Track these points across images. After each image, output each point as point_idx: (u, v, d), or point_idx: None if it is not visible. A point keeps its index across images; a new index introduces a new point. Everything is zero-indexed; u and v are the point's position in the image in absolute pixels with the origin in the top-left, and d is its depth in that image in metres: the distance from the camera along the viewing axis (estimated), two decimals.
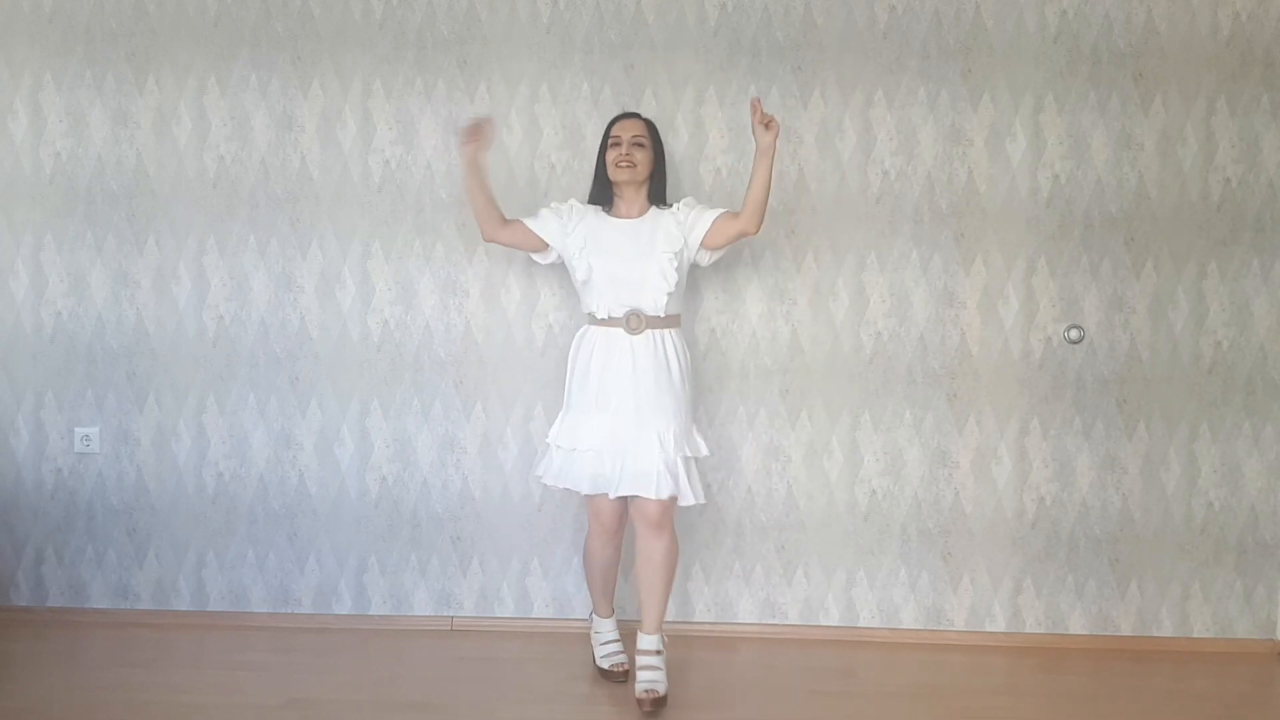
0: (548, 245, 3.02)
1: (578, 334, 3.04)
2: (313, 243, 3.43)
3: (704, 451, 2.98)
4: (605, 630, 3.16)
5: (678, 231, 2.94)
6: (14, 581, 3.50)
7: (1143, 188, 3.39)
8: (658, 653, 2.94)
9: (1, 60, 3.42)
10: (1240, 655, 3.40)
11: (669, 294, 2.91)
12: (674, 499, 2.87)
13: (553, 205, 3.07)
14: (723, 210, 2.97)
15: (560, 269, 3.41)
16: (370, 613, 3.49)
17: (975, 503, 3.44)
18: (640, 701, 2.85)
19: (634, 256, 2.92)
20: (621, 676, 3.06)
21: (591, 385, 2.92)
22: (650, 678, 2.89)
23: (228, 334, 3.45)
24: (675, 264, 2.92)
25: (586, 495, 2.98)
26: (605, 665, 3.10)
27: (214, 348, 3.45)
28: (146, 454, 3.47)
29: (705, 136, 3.39)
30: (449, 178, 3.41)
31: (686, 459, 2.90)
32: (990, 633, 3.46)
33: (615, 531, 3.04)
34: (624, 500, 2.94)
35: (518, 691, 2.98)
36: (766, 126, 2.77)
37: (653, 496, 2.83)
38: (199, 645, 3.29)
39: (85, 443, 3.46)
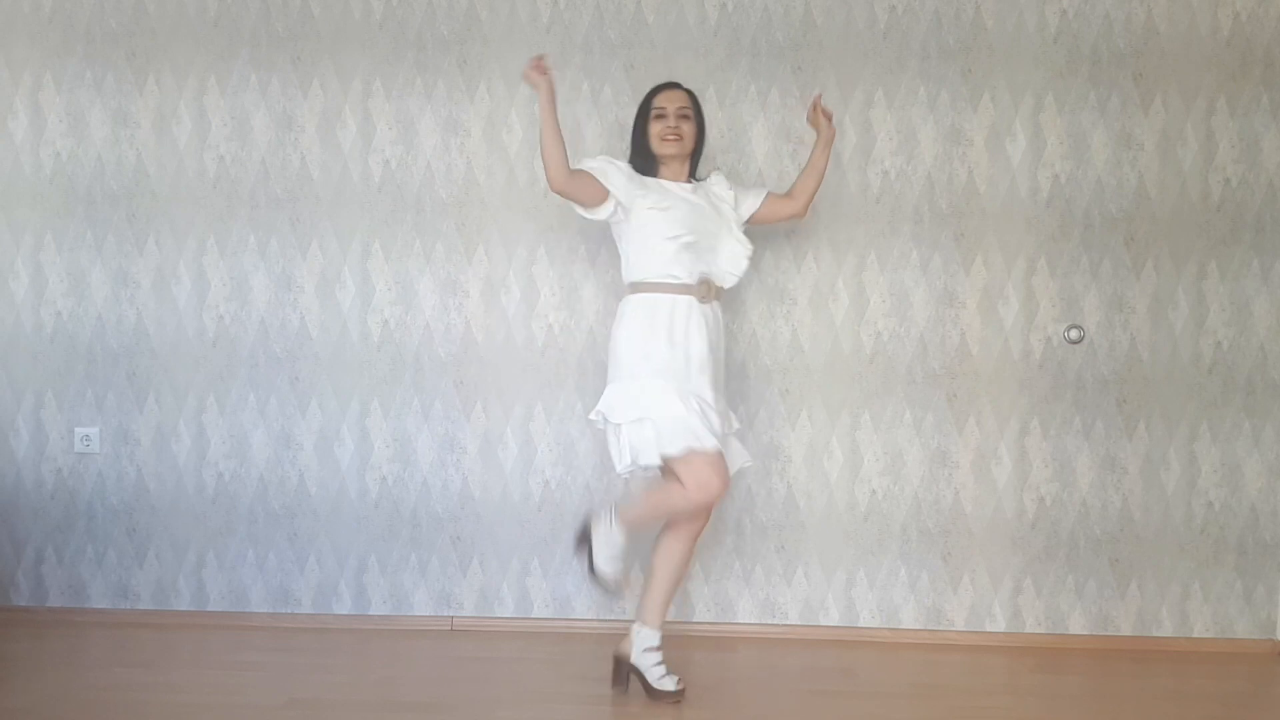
0: (608, 199, 2.80)
1: (631, 303, 2.83)
2: (313, 243, 3.43)
3: (737, 425, 3.04)
4: (657, 641, 2.91)
5: (733, 201, 2.94)
6: (14, 581, 3.50)
7: (1143, 188, 3.39)
8: (658, 649, 2.91)
9: (1, 60, 3.42)
10: (1240, 655, 3.40)
11: (747, 259, 2.90)
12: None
13: (606, 158, 2.87)
14: (766, 191, 3.03)
15: (559, 261, 3.41)
16: (370, 613, 3.49)
17: (975, 503, 3.44)
18: (653, 693, 2.87)
19: (706, 220, 2.85)
20: (681, 695, 2.87)
21: (677, 354, 2.74)
22: (660, 675, 2.89)
23: (228, 334, 3.45)
24: (743, 230, 2.93)
25: (690, 464, 2.69)
26: (671, 686, 2.86)
27: (214, 348, 3.45)
28: (146, 454, 3.47)
29: (705, 136, 3.37)
30: (449, 178, 3.41)
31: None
32: (990, 633, 3.46)
33: (716, 502, 2.81)
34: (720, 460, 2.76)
35: (518, 691, 2.97)
36: (828, 120, 2.91)
37: (735, 467, 2.89)
38: (199, 645, 3.29)
39: (85, 443, 3.46)
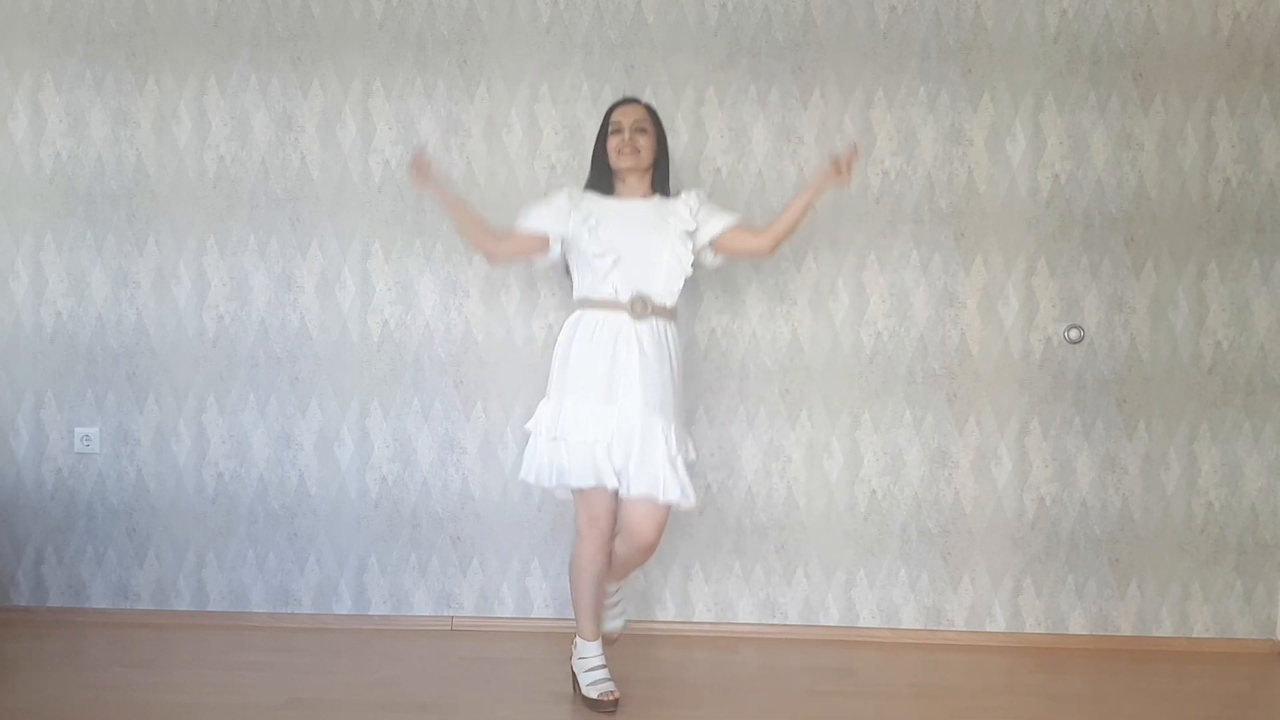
0: (548, 239, 2.85)
1: (569, 319, 2.85)
2: (313, 243, 3.43)
3: (693, 455, 2.88)
4: (592, 655, 2.89)
5: (690, 218, 2.84)
6: (14, 581, 3.50)
7: (1143, 188, 3.39)
8: (616, 593, 3.06)
9: (1, 60, 3.42)
10: (1240, 655, 3.40)
11: (684, 278, 2.81)
12: (666, 512, 2.75)
13: (542, 199, 2.95)
14: (738, 218, 2.92)
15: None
16: (370, 613, 3.49)
17: (975, 503, 3.44)
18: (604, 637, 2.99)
19: (644, 235, 2.79)
20: (611, 706, 2.82)
21: (599, 370, 2.73)
22: (613, 620, 3.07)
23: (228, 334, 3.45)
24: (689, 247, 2.82)
25: (578, 495, 2.79)
26: (594, 694, 2.84)
27: (214, 348, 3.45)
28: (146, 454, 3.47)
29: (705, 136, 3.38)
30: (449, 178, 3.41)
31: (685, 460, 2.78)
32: (990, 633, 3.46)
33: (610, 535, 2.81)
34: (616, 499, 2.77)
35: (518, 691, 2.97)
36: (838, 175, 2.77)
37: (661, 499, 2.70)
38: (199, 645, 3.29)
39: (85, 443, 3.46)
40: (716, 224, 2.87)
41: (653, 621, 3.46)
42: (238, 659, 3.18)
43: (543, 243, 2.87)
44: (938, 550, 3.45)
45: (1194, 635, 3.45)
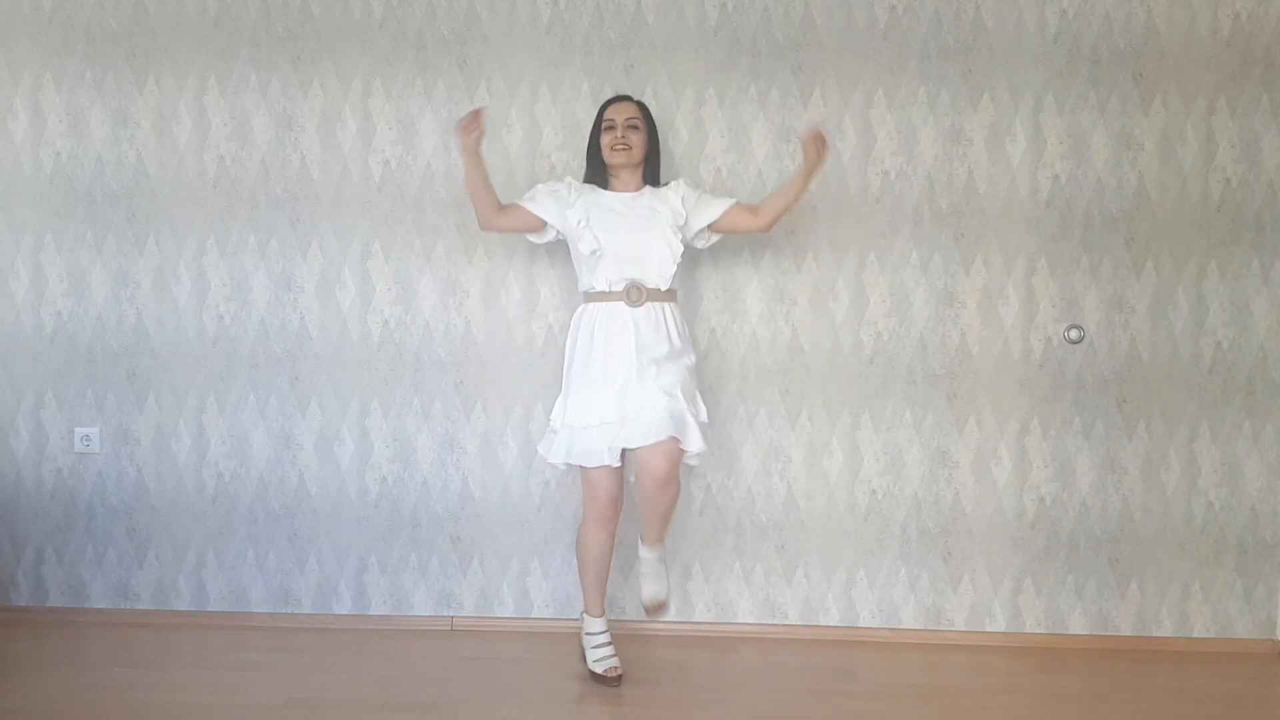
0: (545, 224, 3.01)
1: (575, 314, 3.04)
2: (313, 243, 3.43)
3: (704, 418, 2.99)
4: (598, 631, 3.08)
5: (680, 206, 3.00)
6: (14, 581, 3.50)
7: (1143, 188, 3.39)
8: (660, 561, 3.07)
9: (1, 60, 3.42)
10: (1240, 655, 3.40)
11: (676, 265, 2.96)
12: (681, 453, 2.86)
13: (547, 184, 3.07)
14: (735, 200, 3.08)
15: (560, 261, 3.42)
16: (370, 613, 3.49)
17: (975, 503, 3.44)
18: (646, 609, 3.08)
19: (636, 228, 2.95)
20: (615, 681, 3.00)
21: (596, 361, 2.91)
22: (653, 589, 3.07)
23: (228, 334, 3.45)
24: (679, 236, 2.98)
25: (583, 475, 2.96)
26: (599, 669, 3.03)
27: (214, 348, 3.45)
28: (146, 454, 3.47)
29: (705, 136, 3.39)
30: (449, 178, 3.41)
31: (694, 417, 2.92)
32: (990, 633, 3.46)
33: (612, 514, 2.98)
34: (622, 478, 2.96)
35: (518, 691, 2.97)
36: (819, 150, 2.91)
37: (652, 440, 2.82)
38: (199, 645, 3.29)
39: (85, 443, 3.46)
40: (716, 208, 3.05)
41: (653, 621, 3.46)
42: (238, 659, 3.18)
43: (540, 224, 3.03)
44: (938, 550, 3.45)
45: (1194, 635, 3.45)
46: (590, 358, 2.93)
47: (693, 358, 3.02)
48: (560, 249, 3.41)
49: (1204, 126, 3.38)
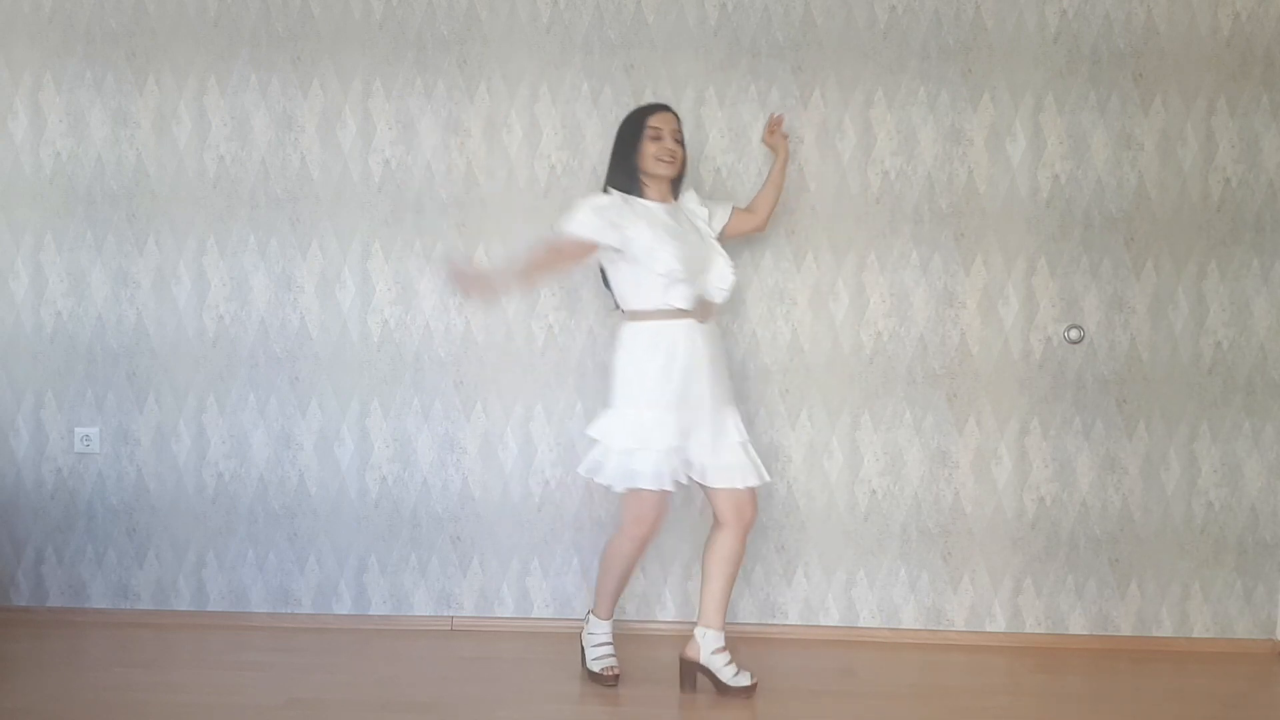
0: (596, 246, 2.84)
1: (627, 332, 2.90)
2: (313, 243, 3.43)
3: (745, 437, 3.01)
4: (602, 632, 3.08)
5: (707, 219, 3.05)
6: (14, 581, 3.50)
7: (1143, 188, 3.39)
8: (722, 652, 2.97)
9: (1, 60, 3.42)
10: (1240, 655, 3.40)
11: (728, 283, 2.98)
12: (755, 491, 2.97)
13: (587, 201, 2.89)
14: (732, 204, 3.16)
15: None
16: (370, 613, 3.49)
17: (975, 503, 3.44)
18: (727, 689, 2.96)
19: (697, 248, 2.92)
20: (613, 681, 3.00)
21: (672, 379, 2.82)
22: (730, 674, 2.96)
23: (228, 334, 3.45)
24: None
25: (631, 494, 2.87)
26: (596, 668, 3.03)
27: (214, 348, 3.45)
28: (146, 454, 3.47)
29: (705, 136, 3.39)
30: (449, 178, 3.41)
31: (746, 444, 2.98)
32: (990, 633, 3.46)
33: (652, 535, 2.95)
34: (667, 501, 2.91)
35: (518, 691, 2.97)
36: (784, 138, 3.07)
37: (744, 485, 2.92)
38: (199, 645, 3.29)
39: (85, 443, 3.46)
40: (722, 214, 3.10)
41: (653, 621, 3.46)
42: (238, 659, 3.18)
43: (588, 249, 2.86)
44: (938, 550, 3.45)
45: (1194, 635, 3.45)
46: (660, 378, 2.82)
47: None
48: None
49: (1204, 126, 3.38)
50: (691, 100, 3.38)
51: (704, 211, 3.05)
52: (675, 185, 3.02)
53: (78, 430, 3.46)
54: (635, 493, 2.86)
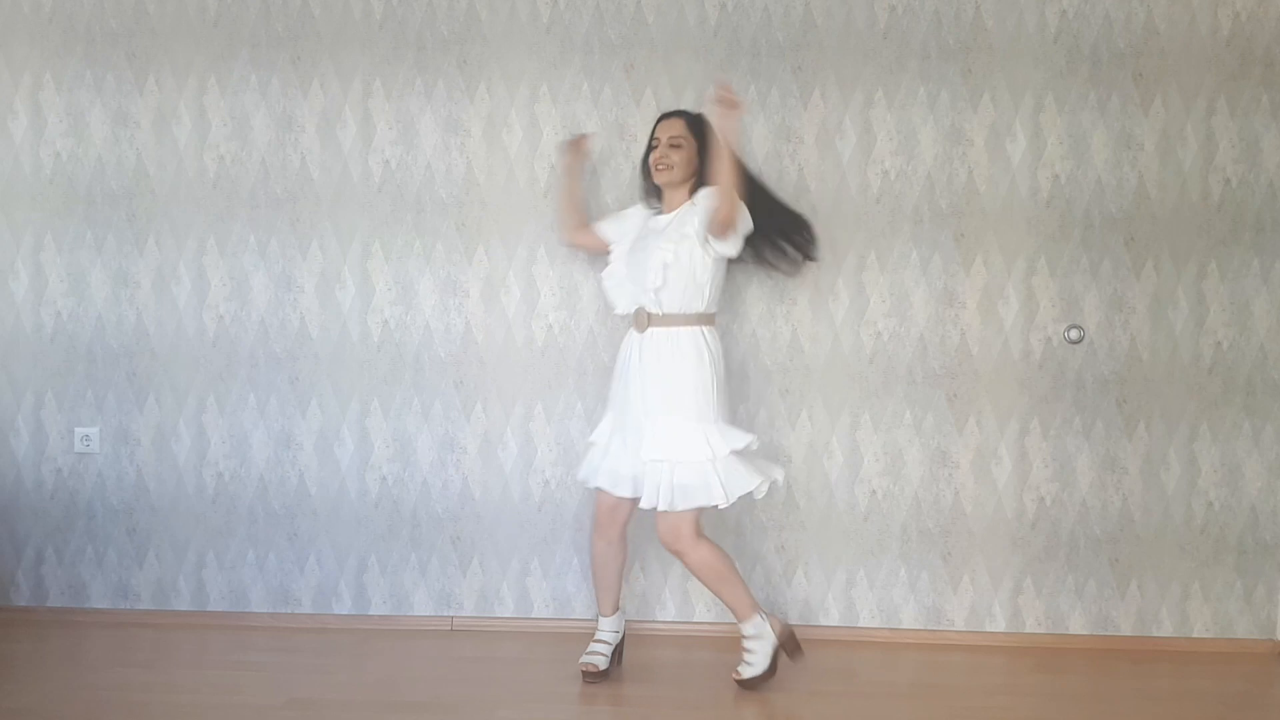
0: (609, 246, 3.14)
1: (692, 336, 2.94)
2: (313, 243, 3.43)
3: (750, 443, 2.94)
4: (602, 629, 3.12)
5: (693, 222, 2.88)
6: (14, 581, 3.50)
7: (1143, 188, 3.39)
8: (750, 637, 2.97)
9: (1, 60, 3.42)
10: (1240, 655, 3.40)
11: (656, 290, 2.87)
12: (668, 513, 2.86)
13: (630, 210, 3.17)
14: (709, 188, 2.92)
15: (559, 261, 3.43)
16: (370, 613, 3.49)
17: (975, 503, 3.44)
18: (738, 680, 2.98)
19: (643, 253, 2.95)
20: (591, 678, 3.01)
21: (614, 382, 3.04)
22: (744, 661, 2.99)
23: (228, 334, 3.45)
24: (672, 259, 2.86)
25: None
26: (580, 661, 3.06)
27: (214, 348, 3.45)
28: (146, 454, 3.47)
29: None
30: (449, 178, 3.41)
31: (714, 460, 2.84)
32: (990, 633, 3.46)
33: (607, 528, 3.02)
34: (616, 498, 2.99)
35: (518, 691, 2.97)
36: (728, 109, 2.73)
37: (644, 504, 2.89)
38: (199, 645, 3.29)
39: (85, 443, 3.46)
40: (704, 211, 2.87)
41: (653, 621, 3.46)
42: (238, 659, 3.18)
43: (605, 246, 3.17)
44: (938, 550, 3.45)
45: (1194, 635, 3.45)
46: (611, 379, 3.06)
47: (712, 387, 2.89)
48: (561, 245, 3.42)
49: (1204, 126, 3.38)
50: (691, 100, 3.38)
51: (700, 210, 2.87)
52: (698, 186, 2.95)
53: (78, 430, 3.46)
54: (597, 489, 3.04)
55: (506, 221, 3.42)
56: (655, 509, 2.87)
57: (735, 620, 3.00)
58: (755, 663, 2.96)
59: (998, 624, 3.46)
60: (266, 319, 3.44)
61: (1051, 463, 3.43)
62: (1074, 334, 3.38)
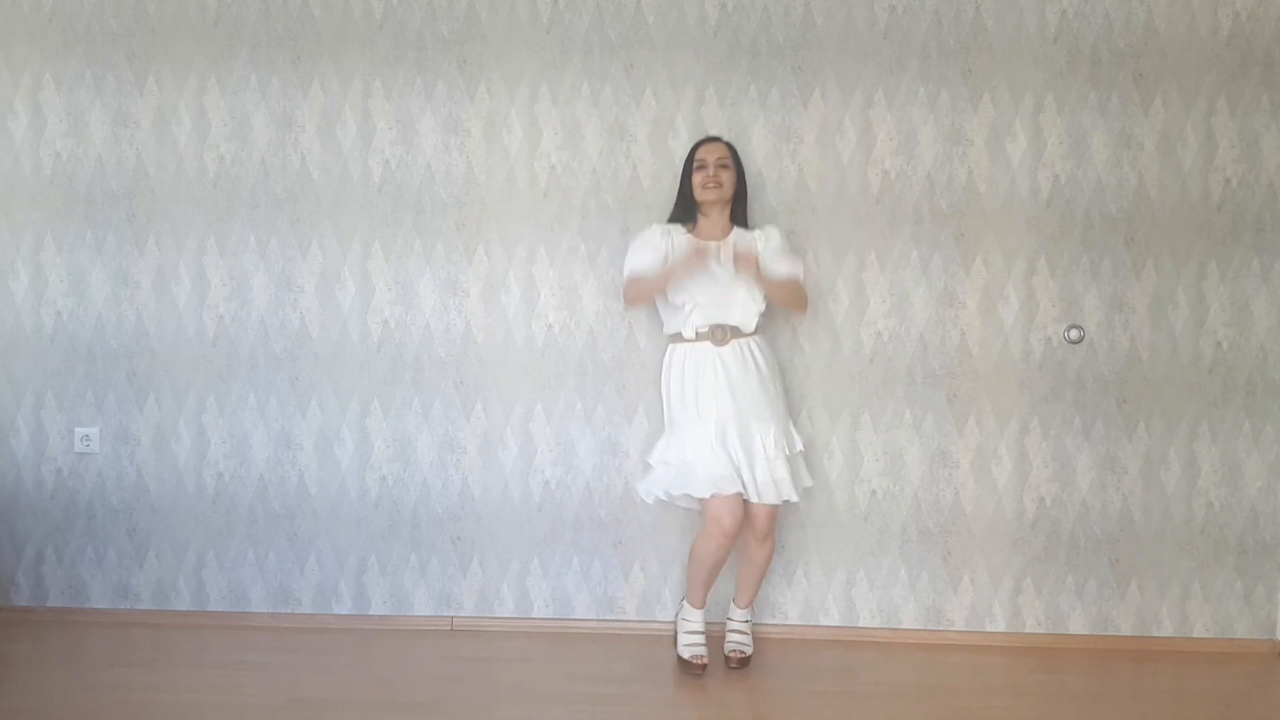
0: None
1: (666, 355, 3.18)
2: (313, 243, 3.43)
3: (799, 446, 3.17)
4: (694, 620, 3.17)
5: (762, 254, 3.11)
6: (14, 581, 3.50)
7: (1143, 188, 3.39)
8: (745, 622, 3.25)
9: (1, 60, 3.42)
10: (1240, 655, 3.40)
11: (760, 312, 3.11)
12: (777, 506, 3.08)
13: (642, 240, 3.15)
14: (799, 272, 3.17)
15: (560, 262, 3.43)
16: (370, 613, 3.49)
17: (975, 503, 3.44)
18: (728, 659, 3.18)
19: (724, 277, 3.08)
20: (699, 670, 3.09)
21: (690, 400, 3.07)
22: (738, 640, 3.22)
23: (228, 334, 3.45)
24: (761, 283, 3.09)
25: (704, 501, 3.04)
26: (686, 655, 3.13)
27: (214, 348, 3.45)
28: (146, 454, 3.47)
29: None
30: (449, 178, 3.41)
31: (789, 457, 3.09)
32: (990, 633, 3.46)
33: (734, 533, 3.05)
34: (736, 500, 3.03)
35: (518, 691, 2.98)
36: (745, 263, 3.04)
37: (765, 502, 3.04)
38: (199, 645, 3.29)
39: (85, 443, 3.46)
40: (774, 257, 3.13)
41: (653, 621, 3.46)
42: (238, 659, 3.18)
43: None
44: (938, 550, 3.45)
45: (1194, 635, 3.45)
46: (685, 397, 3.09)
47: (779, 387, 3.17)
48: (561, 245, 3.42)
49: (1204, 126, 3.38)
50: (691, 100, 3.38)
51: (767, 251, 3.12)
52: (739, 211, 3.19)
53: (78, 430, 3.46)
54: (704, 500, 3.05)
55: (506, 221, 3.42)
56: (763, 503, 3.05)
57: (739, 605, 3.26)
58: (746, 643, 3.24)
59: (998, 624, 3.46)
60: (266, 319, 3.44)
61: (1051, 463, 3.43)
62: (1074, 334, 3.38)
